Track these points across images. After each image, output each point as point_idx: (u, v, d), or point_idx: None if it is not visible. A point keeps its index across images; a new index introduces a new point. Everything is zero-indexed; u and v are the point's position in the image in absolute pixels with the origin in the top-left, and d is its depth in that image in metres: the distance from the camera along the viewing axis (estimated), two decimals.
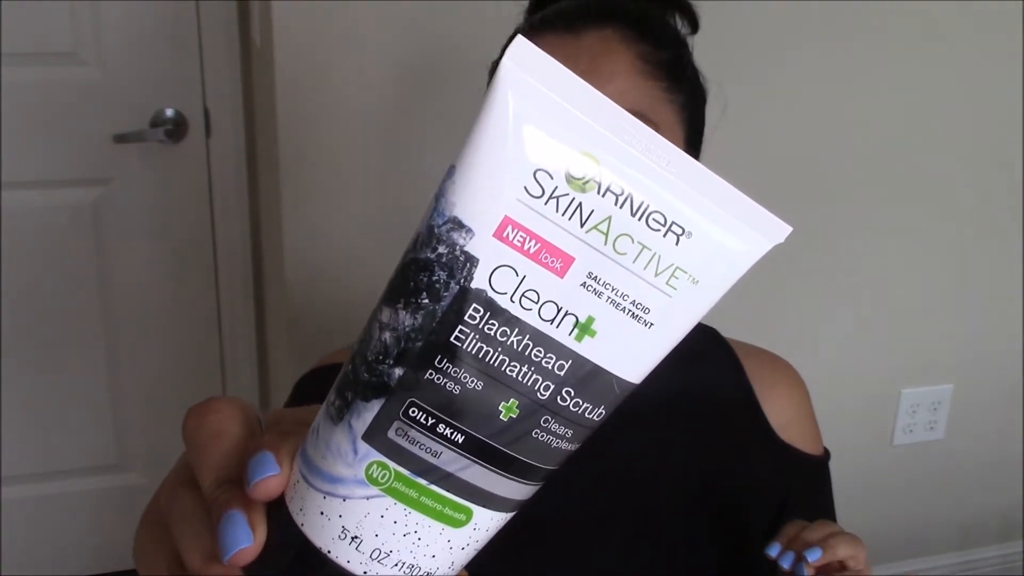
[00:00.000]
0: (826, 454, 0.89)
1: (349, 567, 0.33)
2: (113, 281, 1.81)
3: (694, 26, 0.84)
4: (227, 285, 1.89)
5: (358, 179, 1.40)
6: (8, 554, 1.91)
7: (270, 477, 0.33)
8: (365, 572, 0.33)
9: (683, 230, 0.31)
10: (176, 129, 1.74)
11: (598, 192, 0.30)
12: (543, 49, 0.30)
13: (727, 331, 0.89)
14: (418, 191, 1.38)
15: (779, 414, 0.85)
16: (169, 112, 1.73)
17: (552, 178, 0.30)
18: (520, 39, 0.30)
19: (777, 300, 1.64)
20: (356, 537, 0.32)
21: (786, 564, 0.69)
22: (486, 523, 0.34)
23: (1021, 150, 1.70)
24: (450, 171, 0.31)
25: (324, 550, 0.33)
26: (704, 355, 0.85)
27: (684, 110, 0.76)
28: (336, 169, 1.39)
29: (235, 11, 1.72)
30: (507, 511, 0.34)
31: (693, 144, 0.79)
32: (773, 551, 0.71)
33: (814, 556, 0.69)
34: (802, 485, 0.87)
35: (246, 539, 0.32)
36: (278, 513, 0.34)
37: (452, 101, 1.35)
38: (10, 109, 1.66)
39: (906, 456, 1.88)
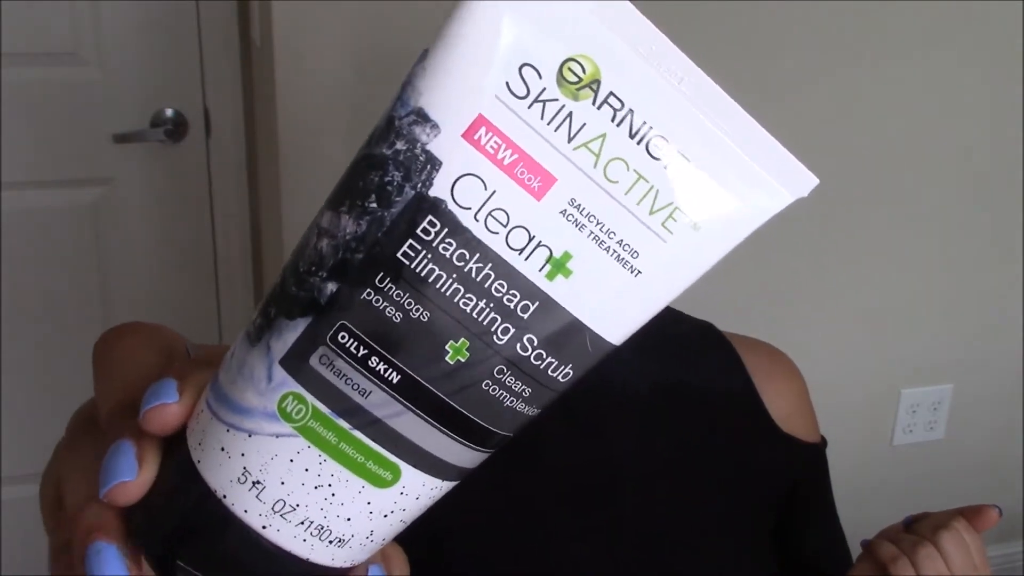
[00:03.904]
0: (823, 442, 0.90)
1: (246, 518, 0.27)
2: (113, 281, 1.81)
3: None
4: (227, 285, 1.89)
5: None
6: (8, 554, 1.91)
7: (165, 405, 0.28)
8: (264, 526, 0.27)
9: (689, 164, 0.26)
10: (176, 129, 1.74)
11: (593, 103, 0.25)
12: None
13: (724, 329, 0.89)
14: None
15: (780, 406, 0.85)
16: (169, 112, 1.73)
17: (541, 77, 0.25)
18: None
19: (776, 299, 1.64)
20: (258, 482, 0.27)
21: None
22: (416, 488, 0.28)
23: (1021, 150, 1.70)
24: (423, 55, 0.26)
25: (219, 494, 0.27)
26: (702, 350, 0.84)
27: None
28: (336, 169, 1.37)
29: (235, 11, 1.72)
30: (444, 479, 0.29)
31: None
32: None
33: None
34: (804, 475, 0.87)
35: (128, 472, 0.27)
36: (177, 452, 0.28)
37: None
38: (10, 109, 1.66)
39: (906, 456, 1.88)
